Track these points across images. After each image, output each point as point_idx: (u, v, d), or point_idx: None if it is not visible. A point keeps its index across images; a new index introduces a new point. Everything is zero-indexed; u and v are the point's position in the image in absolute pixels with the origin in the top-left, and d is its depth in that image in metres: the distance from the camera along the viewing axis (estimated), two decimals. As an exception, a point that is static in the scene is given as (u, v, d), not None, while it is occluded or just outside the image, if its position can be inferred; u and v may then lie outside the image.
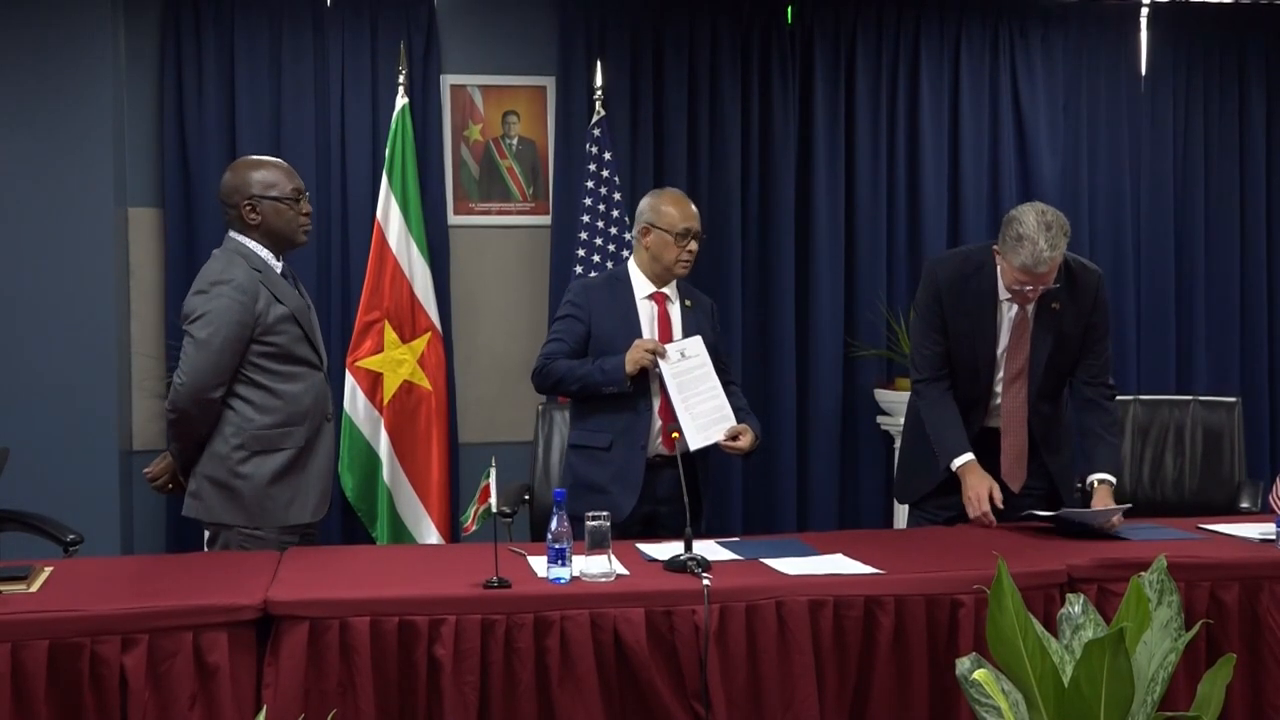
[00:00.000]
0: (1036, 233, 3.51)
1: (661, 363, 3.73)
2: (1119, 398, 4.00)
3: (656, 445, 3.79)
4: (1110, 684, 2.32)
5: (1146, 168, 5.86)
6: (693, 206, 3.87)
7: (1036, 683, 2.40)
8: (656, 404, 3.80)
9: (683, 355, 3.78)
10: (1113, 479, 3.74)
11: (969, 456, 3.71)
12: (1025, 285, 3.59)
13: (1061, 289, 3.67)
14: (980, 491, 3.63)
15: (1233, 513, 4.37)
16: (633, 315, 3.85)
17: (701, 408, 3.78)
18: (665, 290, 3.90)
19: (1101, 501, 3.68)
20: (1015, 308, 3.71)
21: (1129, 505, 3.64)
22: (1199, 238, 5.88)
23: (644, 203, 3.91)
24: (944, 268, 3.85)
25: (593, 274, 4.97)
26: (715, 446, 3.81)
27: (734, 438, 3.80)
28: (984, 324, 3.76)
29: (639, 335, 3.80)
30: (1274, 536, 3.35)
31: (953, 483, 3.76)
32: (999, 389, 3.78)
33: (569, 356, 3.81)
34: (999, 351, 3.76)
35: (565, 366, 3.80)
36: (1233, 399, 4.87)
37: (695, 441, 3.72)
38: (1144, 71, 5.87)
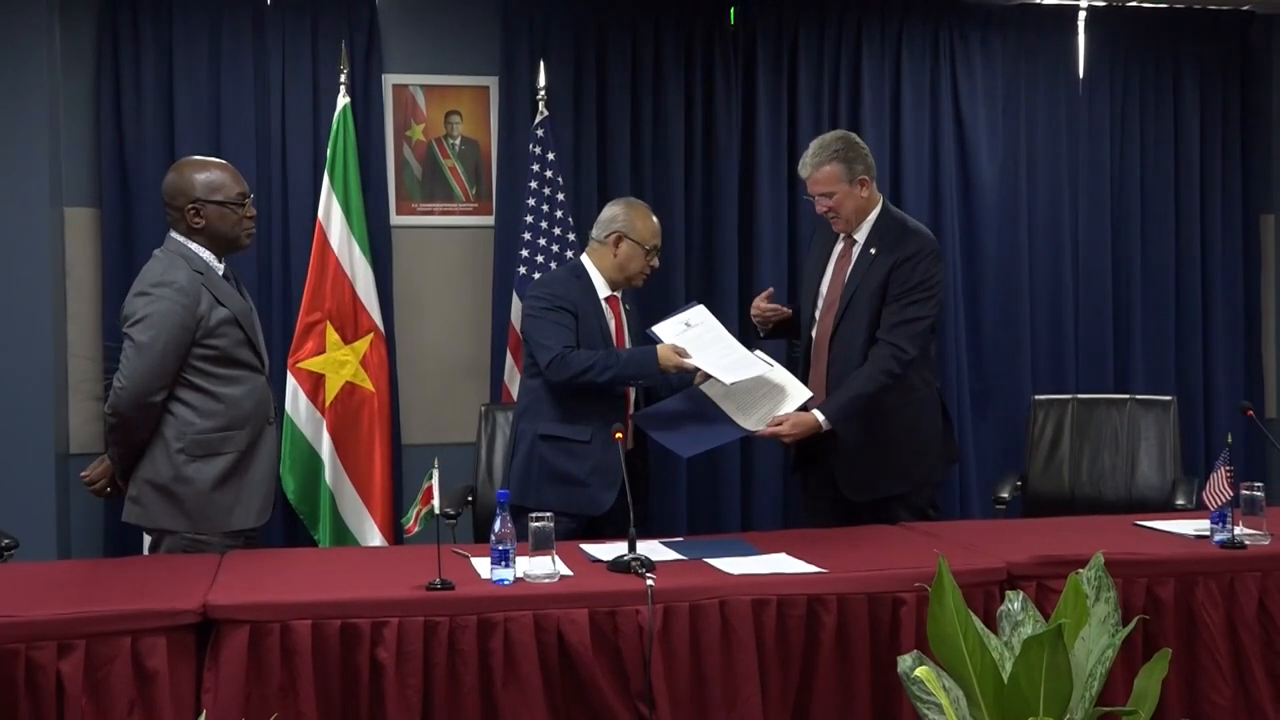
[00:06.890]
0: (810, 146, 3.98)
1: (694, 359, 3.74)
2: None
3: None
4: (1049, 679, 2.35)
5: (1084, 169, 5.91)
6: (658, 222, 4.00)
7: (977, 679, 2.43)
8: (631, 397, 3.89)
9: (687, 325, 3.87)
10: (821, 417, 3.74)
11: None
12: (811, 195, 3.93)
13: (886, 238, 3.93)
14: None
15: (1169, 510, 4.43)
16: (601, 311, 3.93)
17: (726, 359, 3.76)
18: (616, 294, 4.00)
19: (795, 420, 3.71)
20: (841, 244, 4.02)
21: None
22: (1135, 238, 5.95)
23: (615, 210, 3.99)
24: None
25: (537, 274, 4.96)
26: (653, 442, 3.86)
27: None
28: (819, 263, 4.08)
29: (608, 331, 3.90)
30: (1209, 533, 3.40)
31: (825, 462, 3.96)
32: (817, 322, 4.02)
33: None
34: (821, 285, 4.03)
35: (588, 356, 3.77)
36: (1168, 398, 4.94)
37: (728, 376, 3.67)
38: (1081, 74, 5.93)
